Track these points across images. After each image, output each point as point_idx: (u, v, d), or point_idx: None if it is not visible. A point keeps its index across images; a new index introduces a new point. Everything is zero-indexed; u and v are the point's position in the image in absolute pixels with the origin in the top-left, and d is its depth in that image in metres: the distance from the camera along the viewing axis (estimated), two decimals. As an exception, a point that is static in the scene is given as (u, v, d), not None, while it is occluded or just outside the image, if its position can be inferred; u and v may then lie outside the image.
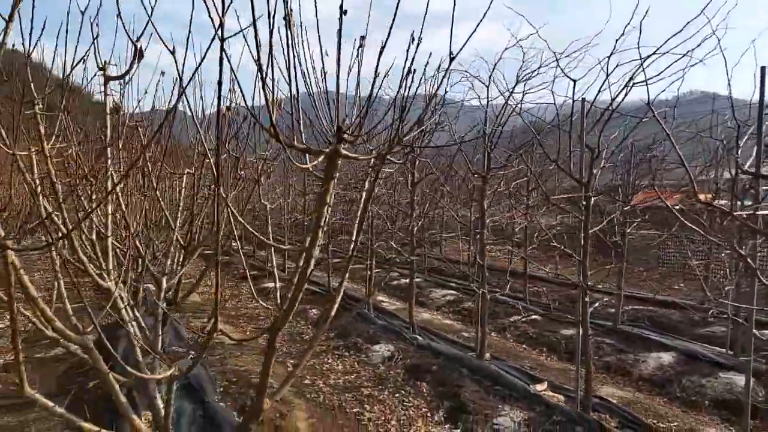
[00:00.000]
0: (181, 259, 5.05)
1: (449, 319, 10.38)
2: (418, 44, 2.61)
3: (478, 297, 6.99)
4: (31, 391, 2.88)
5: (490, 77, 6.27)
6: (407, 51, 2.72)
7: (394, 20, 2.34)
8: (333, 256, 13.82)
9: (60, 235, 3.07)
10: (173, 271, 4.47)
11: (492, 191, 6.84)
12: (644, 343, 8.15)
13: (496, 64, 6.24)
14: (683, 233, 13.61)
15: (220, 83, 2.12)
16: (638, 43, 4.06)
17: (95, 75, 3.62)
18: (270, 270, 14.40)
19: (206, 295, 11.93)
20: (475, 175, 6.52)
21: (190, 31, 2.87)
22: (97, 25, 3.69)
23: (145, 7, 2.81)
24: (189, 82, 2.33)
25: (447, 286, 12.69)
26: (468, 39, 2.35)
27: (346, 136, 2.64)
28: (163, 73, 4.60)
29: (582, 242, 5.18)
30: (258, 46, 2.27)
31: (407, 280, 13.05)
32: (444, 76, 3.04)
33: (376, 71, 2.51)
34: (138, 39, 3.66)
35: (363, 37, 2.95)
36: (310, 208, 13.73)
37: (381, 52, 2.49)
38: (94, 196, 3.95)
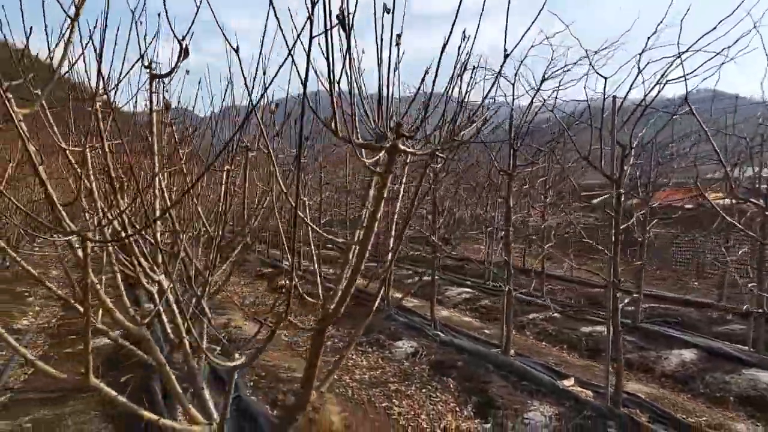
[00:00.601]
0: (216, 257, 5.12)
1: (467, 317, 10.43)
2: (468, 42, 2.67)
3: (504, 294, 7.03)
4: (96, 380, 2.95)
5: (515, 75, 6.31)
6: (459, 49, 2.78)
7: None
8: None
9: (138, 228, 3.13)
10: (214, 268, 4.54)
11: (517, 189, 6.87)
12: (665, 341, 8.17)
13: (522, 61, 6.28)
14: (698, 232, 13.65)
15: (305, 87, 2.17)
16: (678, 41, 4.10)
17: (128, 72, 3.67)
18: (285, 268, 14.49)
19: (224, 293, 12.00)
20: (501, 173, 6.56)
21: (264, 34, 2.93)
22: (143, 23, 3.76)
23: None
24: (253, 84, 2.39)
25: (462, 284, 12.73)
26: (521, 38, 2.39)
27: (405, 132, 2.70)
28: (187, 71, 4.67)
29: (612, 239, 5.22)
30: (330, 51, 2.33)
31: (418, 278, 13.12)
32: (497, 74, 3.09)
33: (437, 71, 2.55)
34: (184, 38, 3.73)
35: (399, 36, 3.01)
36: (331, 205, 13.79)
37: (442, 50, 2.54)
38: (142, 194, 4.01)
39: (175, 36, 3.75)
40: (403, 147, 2.71)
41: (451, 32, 2.45)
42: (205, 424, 3.48)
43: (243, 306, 10.53)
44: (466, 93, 2.70)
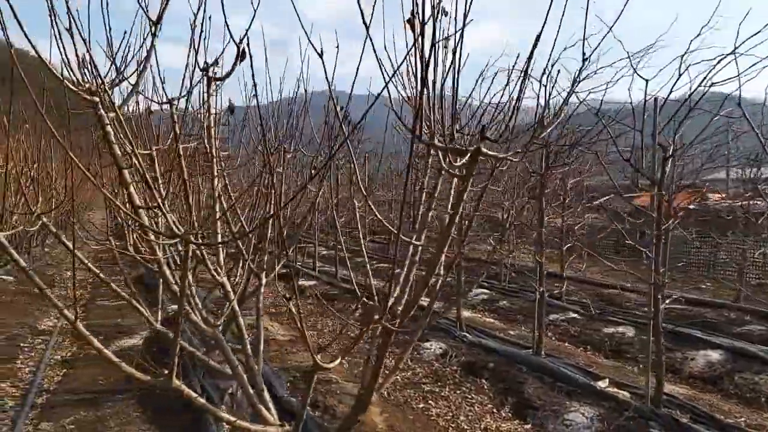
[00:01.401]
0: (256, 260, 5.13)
1: (488, 318, 10.45)
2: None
3: (536, 296, 7.06)
4: (178, 382, 2.95)
5: (548, 76, 6.31)
6: (530, 53, 2.80)
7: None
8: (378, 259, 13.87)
9: (239, 232, 3.15)
10: (263, 270, 4.55)
11: (551, 189, 6.90)
12: (690, 341, 8.19)
13: (554, 63, 6.29)
14: (713, 233, 13.69)
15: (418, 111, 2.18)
16: (735, 43, 4.11)
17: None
18: (302, 269, 14.50)
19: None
20: (533, 174, 6.58)
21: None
22: (199, 28, 3.77)
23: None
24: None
25: (479, 285, 12.74)
26: (603, 44, 2.41)
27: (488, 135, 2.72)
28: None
29: (655, 240, 5.24)
30: (425, 64, 2.35)
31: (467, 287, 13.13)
32: (576, 79, 3.12)
33: (525, 76, 2.57)
34: (241, 41, 3.73)
35: (447, 38, 3.04)
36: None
37: (531, 54, 2.56)
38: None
39: (232, 39, 3.76)
40: (486, 150, 2.72)
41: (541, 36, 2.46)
42: (278, 425, 3.49)
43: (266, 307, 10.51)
44: (548, 96, 2.73)
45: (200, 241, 3.35)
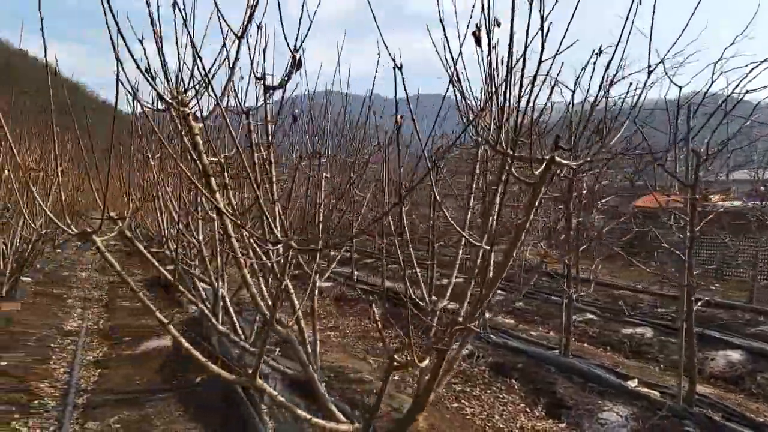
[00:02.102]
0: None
1: (506, 319, 10.56)
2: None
3: (563, 298, 7.18)
4: (260, 381, 3.05)
5: (576, 81, 6.44)
6: (609, 63, 2.92)
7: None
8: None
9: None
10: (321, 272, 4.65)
11: (578, 193, 7.02)
12: (710, 342, 8.32)
13: (584, 68, 6.41)
14: (723, 234, 13.84)
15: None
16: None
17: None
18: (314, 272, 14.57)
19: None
20: (562, 177, 6.70)
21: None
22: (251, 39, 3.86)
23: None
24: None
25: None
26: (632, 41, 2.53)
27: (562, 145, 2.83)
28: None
29: (687, 242, 5.37)
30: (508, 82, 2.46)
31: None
32: (645, 84, 3.24)
33: (607, 82, 2.70)
34: (297, 50, 3.84)
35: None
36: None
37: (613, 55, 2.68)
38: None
39: (288, 47, 3.87)
40: (559, 159, 2.84)
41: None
42: (348, 423, 3.59)
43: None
44: (619, 101, 2.85)
45: (301, 246, 3.45)
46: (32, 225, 4.50)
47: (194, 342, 7.54)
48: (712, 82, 5.26)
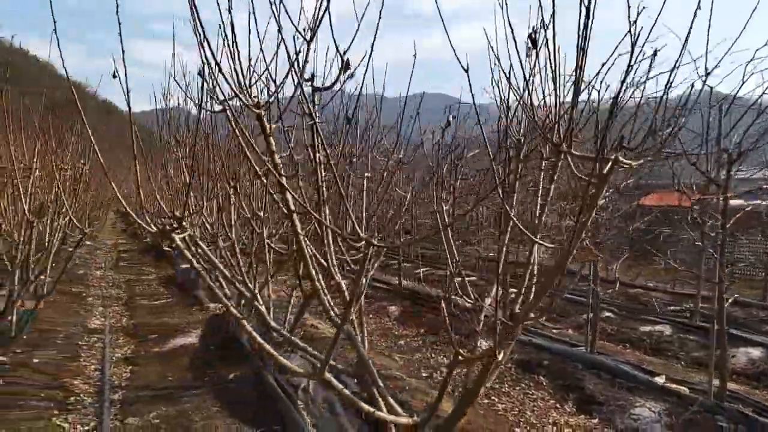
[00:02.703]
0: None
1: (523, 317, 10.62)
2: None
3: (589, 294, 7.25)
4: (329, 375, 3.11)
5: (601, 81, 6.50)
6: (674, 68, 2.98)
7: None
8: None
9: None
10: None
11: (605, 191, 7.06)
12: (730, 339, 8.37)
13: (609, 67, 6.46)
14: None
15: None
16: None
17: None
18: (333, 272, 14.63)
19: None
20: (585, 177, 6.76)
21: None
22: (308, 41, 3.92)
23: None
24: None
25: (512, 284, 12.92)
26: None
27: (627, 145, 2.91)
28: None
29: (720, 242, 5.44)
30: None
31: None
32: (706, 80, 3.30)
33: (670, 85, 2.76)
34: (345, 52, 3.89)
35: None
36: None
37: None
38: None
39: (337, 50, 3.92)
40: (623, 159, 2.91)
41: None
42: (407, 416, 3.65)
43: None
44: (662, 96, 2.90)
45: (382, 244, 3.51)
46: (77, 224, 4.54)
47: (224, 340, 7.63)
48: (743, 82, 5.33)
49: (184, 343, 7.77)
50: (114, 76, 3.60)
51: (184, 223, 3.37)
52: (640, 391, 6.00)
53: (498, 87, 4.35)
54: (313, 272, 3.34)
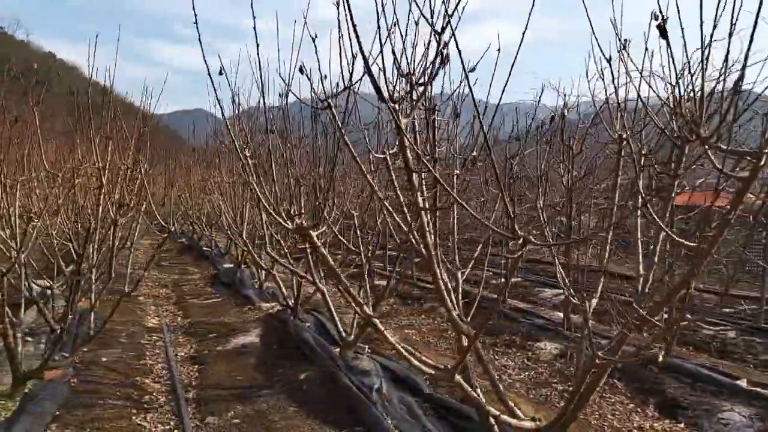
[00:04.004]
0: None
1: (575, 318, 10.42)
2: None
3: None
4: (459, 377, 3.01)
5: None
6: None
7: None
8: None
9: None
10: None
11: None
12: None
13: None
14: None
15: None
16: None
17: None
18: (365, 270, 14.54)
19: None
20: (661, 174, 6.57)
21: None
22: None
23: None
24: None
25: (551, 285, 12.72)
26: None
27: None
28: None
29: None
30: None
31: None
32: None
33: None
34: (446, 46, 3.80)
35: None
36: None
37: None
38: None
39: (437, 41, 3.83)
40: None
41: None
42: (529, 418, 3.55)
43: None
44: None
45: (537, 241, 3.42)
46: (163, 223, 4.52)
47: (285, 339, 7.59)
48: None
49: (245, 342, 7.75)
50: (220, 73, 3.56)
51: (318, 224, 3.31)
52: (725, 395, 5.80)
53: (602, 79, 4.25)
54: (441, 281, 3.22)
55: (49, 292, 8.11)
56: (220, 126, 15.05)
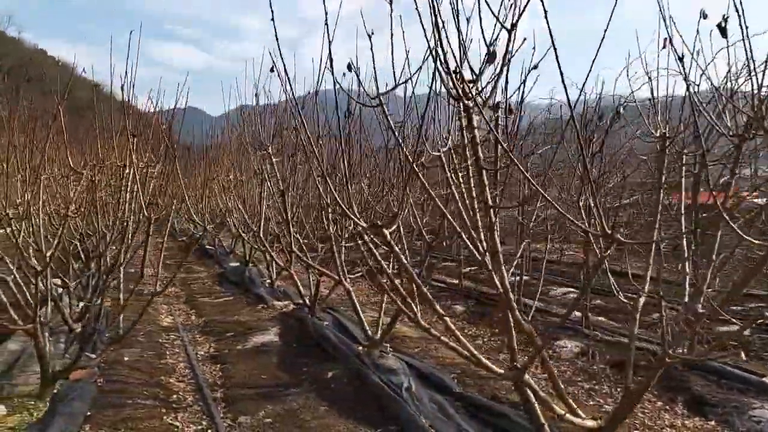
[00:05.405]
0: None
1: (598, 317, 10.43)
2: None
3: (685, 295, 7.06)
4: (528, 377, 2.99)
5: (700, 74, 6.33)
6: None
7: None
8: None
9: None
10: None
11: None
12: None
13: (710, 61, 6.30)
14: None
15: None
16: None
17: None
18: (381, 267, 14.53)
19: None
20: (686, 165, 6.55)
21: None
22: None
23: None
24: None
25: (561, 284, 12.75)
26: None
27: None
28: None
29: None
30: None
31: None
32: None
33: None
34: (493, 43, 3.78)
35: None
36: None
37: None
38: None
39: (484, 40, 3.81)
40: None
41: None
42: (588, 419, 3.54)
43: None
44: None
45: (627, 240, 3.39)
46: (198, 222, 4.48)
47: (303, 337, 7.55)
48: None
49: (264, 341, 7.70)
50: (272, 70, 3.51)
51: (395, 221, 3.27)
52: (752, 393, 5.83)
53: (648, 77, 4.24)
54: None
55: (60, 290, 8.04)
56: (217, 124, 15.06)
